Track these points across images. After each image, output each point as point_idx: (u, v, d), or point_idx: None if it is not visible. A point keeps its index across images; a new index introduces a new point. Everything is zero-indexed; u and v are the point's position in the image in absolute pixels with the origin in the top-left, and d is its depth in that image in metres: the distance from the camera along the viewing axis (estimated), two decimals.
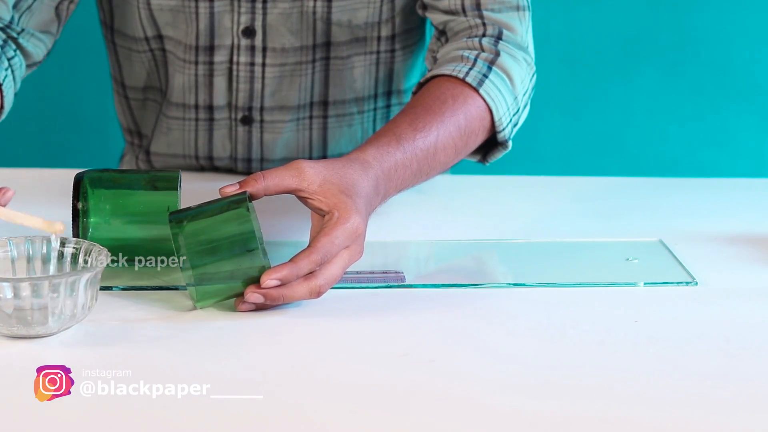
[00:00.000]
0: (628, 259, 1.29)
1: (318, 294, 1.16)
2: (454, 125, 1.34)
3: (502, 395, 1.01)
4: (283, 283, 1.14)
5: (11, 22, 1.44)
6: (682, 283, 1.24)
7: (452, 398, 1.00)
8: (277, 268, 1.14)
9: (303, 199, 1.20)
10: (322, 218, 1.19)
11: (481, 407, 0.99)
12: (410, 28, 1.58)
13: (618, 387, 1.03)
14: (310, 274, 1.16)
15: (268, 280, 1.14)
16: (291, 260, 1.15)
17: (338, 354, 1.08)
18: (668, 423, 0.97)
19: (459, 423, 0.96)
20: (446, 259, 1.32)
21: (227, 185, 1.17)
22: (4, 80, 1.39)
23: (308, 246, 1.16)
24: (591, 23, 2.50)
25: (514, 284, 1.23)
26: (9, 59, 1.41)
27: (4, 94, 1.39)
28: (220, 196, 1.17)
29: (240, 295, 1.15)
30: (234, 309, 1.16)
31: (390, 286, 1.22)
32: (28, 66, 1.47)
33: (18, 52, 1.44)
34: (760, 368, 1.07)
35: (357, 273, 1.23)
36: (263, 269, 1.14)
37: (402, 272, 1.24)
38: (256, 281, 1.14)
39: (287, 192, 1.19)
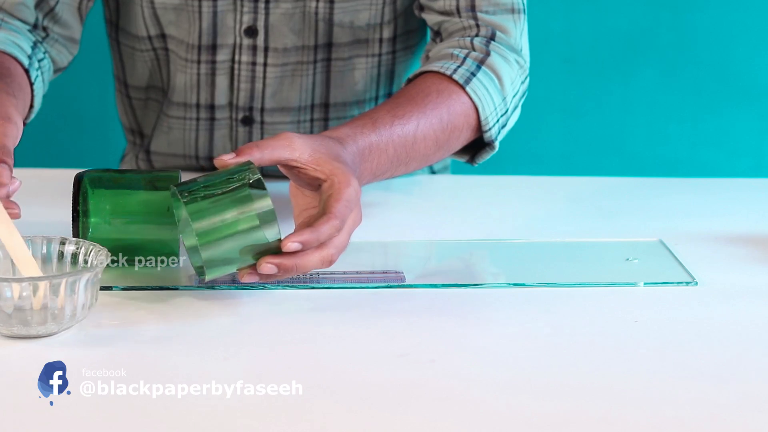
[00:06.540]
0: (628, 259, 1.29)
1: (330, 262, 1.15)
2: (436, 117, 1.34)
3: (501, 395, 1.01)
4: (303, 248, 1.13)
5: (36, 26, 1.45)
6: (682, 283, 1.24)
7: (452, 398, 1.00)
8: (298, 233, 1.13)
9: (293, 170, 1.19)
10: (304, 194, 1.19)
11: (481, 407, 0.99)
12: (412, 30, 1.58)
13: (618, 387, 1.03)
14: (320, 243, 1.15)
15: (290, 243, 1.12)
16: (310, 226, 1.14)
17: (338, 354, 1.08)
18: (668, 423, 0.97)
19: (459, 423, 0.96)
20: (446, 259, 1.32)
21: (224, 155, 1.16)
22: (35, 80, 1.39)
23: (324, 213, 1.15)
24: (591, 23, 2.50)
25: (514, 284, 1.23)
26: (39, 61, 1.42)
27: (35, 94, 1.39)
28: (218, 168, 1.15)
29: (247, 267, 1.14)
30: (233, 309, 1.16)
31: (390, 286, 1.22)
32: (54, 71, 1.48)
33: (46, 54, 1.45)
34: (760, 368, 1.07)
35: (357, 273, 1.23)
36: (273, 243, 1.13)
37: (402, 272, 1.24)
38: (264, 253, 1.13)
39: (278, 163, 1.18)
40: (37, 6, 1.46)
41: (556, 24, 2.48)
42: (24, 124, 1.38)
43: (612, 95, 2.53)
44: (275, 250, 1.13)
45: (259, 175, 1.13)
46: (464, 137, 1.39)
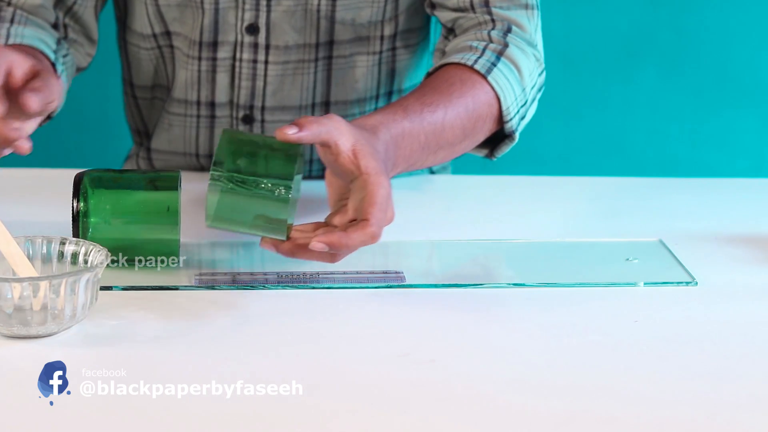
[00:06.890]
0: (628, 259, 1.29)
1: (333, 261, 1.16)
2: (462, 105, 1.34)
3: (502, 395, 1.01)
4: (330, 250, 1.13)
5: (56, 26, 1.46)
6: (682, 283, 1.24)
7: (452, 398, 1.00)
8: (329, 235, 1.13)
9: (332, 155, 1.18)
10: (339, 183, 1.19)
11: (481, 407, 0.99)
12: (413, 28, 1.58)
13: (618, 387, 1.03)
14: None
15: (317, 243, 1.13)
16: (344, 231, 1.14)
17: (338, 354, 1.08)
18: (668, 423, 0.97)
19: (459, 423, 0.96)
20: (446, 259, 1.32)
21: (287, 128, 1.15)
22: (60, 74, 1.40)
23: (361, 218, 1.15)
24: (591, 23, 2.50)
25: (514, 284, 1.23)
26: (63, 56, 1.43)
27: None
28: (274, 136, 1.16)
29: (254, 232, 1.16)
30: (233, 309, 1.16)
31: (390, 286, 1.22)
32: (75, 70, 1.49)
33: (70, 51, 1.45)
34: (760, 368, 1.07)
35: (357, 273, 1.23)
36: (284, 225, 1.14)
37: (402, 272, 1.24)
38: (272, 227, 1.14)
39: (328, 143, 1.17)
40: (56, 6, 1.46)
41: (556, 24, 2.48)
42: (50, 118, 1.39)
43: (612, 95, 2.53)
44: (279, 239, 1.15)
45: (293, 193, 1.14)
46: (487, 127, 1.39)
